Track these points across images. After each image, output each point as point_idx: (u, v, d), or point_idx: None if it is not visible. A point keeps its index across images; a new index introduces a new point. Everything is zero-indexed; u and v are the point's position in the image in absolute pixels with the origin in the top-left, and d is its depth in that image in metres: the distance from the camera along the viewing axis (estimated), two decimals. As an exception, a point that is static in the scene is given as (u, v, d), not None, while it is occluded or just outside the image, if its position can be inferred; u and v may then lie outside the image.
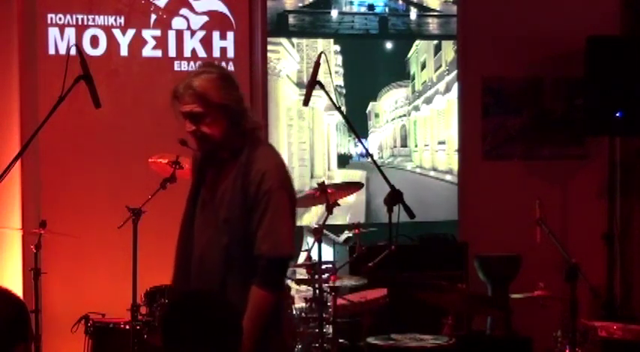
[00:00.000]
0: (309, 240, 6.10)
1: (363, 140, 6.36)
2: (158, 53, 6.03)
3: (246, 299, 3.18)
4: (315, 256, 4.94)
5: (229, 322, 2.55)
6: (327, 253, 5.90)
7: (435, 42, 6.65)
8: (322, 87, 4.39)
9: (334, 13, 6.44)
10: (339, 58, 6.44)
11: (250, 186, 3.23)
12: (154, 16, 6.02)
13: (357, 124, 5.60)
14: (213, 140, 3.28)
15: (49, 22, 5.83)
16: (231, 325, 2.55)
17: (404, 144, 6.62)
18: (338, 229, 6.12)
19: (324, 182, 4.94)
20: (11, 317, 2.63)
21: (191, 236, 3.40)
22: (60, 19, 5.84)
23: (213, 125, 3.26)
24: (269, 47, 6.20)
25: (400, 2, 6.59)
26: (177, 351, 2.47)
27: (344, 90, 6.44)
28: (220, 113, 3.26)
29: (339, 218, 6.18)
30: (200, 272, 3.33)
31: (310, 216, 6.27)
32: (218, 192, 3.31)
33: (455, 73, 6.63)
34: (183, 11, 6.07)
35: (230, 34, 6.15)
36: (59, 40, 5.83)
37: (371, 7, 6.51)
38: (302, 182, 6.32)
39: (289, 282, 5.34)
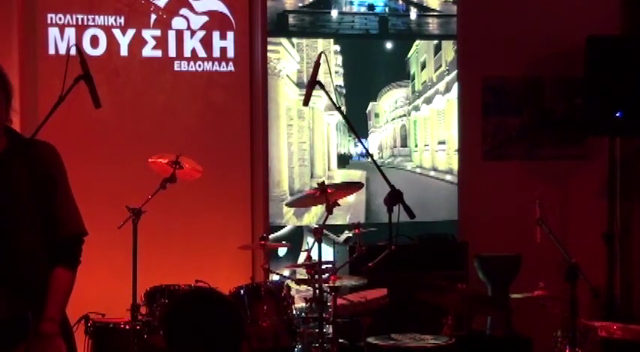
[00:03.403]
0: (309, 240, 6.12)
1: (363, 140, 6.35)
2: (158, 53, 6.03)
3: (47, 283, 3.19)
4: (315, 256, 4.93)
5: (231, 317, 2.56)
6: (327, 253, 5.91)
7: (435, 42, 6.65)
8: (322, 87, 4.41)
9: (334, 13, 6.43)
10: (339, 58, 6.43)
11: (40, 171, 3.24)
12: (154, 16, 6.02)
13: (357, 124, 5.61)
14: None
15: (49, 22, 5.83)
16: (233, 320, 2.55)
17: (404, 144, 6.62)
18: (338, 229, 6.12)
19: (324, 182, 4.92)
20: (12, 317, 2.63)
21: None
22: (60, 19, 5.85)
23: None
24: (269, 47, 6.19)
25: (400, 2, 6.58)
26: (181, 347, 2.48)
27: (344, 90, 6.44)
28: (2, 95, 3.34)
29: (339, 218, 6.18)
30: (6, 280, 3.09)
31: (310, 216, 6.27)
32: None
33: (455, 73, 6.62)
34: (183, 11, 6.08)
35: (230, 34, 6.16)
36: (59, 40, 5.83)
37: (371, 7, 6.50)
38: (302, 182, 6.31)
39: (289, 282, 5.34)
